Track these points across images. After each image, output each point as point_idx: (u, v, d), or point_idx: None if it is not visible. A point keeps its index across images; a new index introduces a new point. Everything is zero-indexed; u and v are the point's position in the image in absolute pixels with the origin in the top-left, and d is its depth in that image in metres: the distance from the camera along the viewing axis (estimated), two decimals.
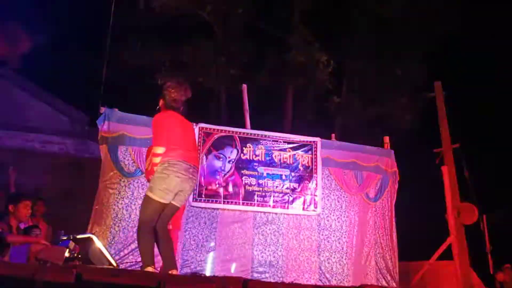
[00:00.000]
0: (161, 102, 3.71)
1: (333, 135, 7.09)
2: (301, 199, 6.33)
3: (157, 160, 3.54)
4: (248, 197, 6.13)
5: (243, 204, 6.09)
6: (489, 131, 11.62)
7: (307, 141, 6.60)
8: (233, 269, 5.80)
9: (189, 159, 3.56)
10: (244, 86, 7.02)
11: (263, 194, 6.20)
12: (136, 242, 3.63)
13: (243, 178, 6.19)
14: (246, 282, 2.56)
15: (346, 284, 6.14)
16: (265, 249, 6.04)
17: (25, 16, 9.16)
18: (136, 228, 5.40)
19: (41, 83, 9.33)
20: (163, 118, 3.63)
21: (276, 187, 6.28)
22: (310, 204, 6.34)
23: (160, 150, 3.52)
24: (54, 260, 3.04)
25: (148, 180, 3.67)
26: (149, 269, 3.27)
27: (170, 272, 3.30)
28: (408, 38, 10.30)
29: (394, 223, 6.75)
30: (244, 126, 6.59)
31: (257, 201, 6.15)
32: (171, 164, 3.47)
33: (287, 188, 6.32)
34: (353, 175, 6.71)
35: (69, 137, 9.08)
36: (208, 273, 5.60)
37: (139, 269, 4.99)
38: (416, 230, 10.05)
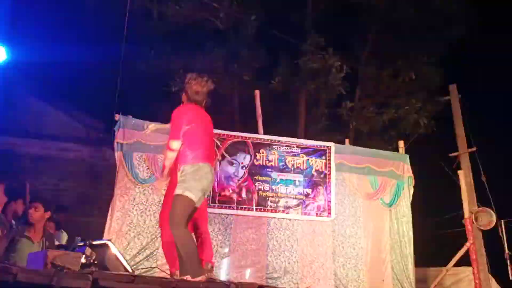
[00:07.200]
0: (184, 98, 3.61)
1: (347, 140, 7.06)
2: (315, 205, 6.30)
3: (171, 154, 3.43)
4: (262, 202, 6.14)
5: (256, 210, 6.10)
6: (507, 134, 11.42)
7: (320, 146, 6.58)
8: (247, 275, 5.79)
9: (210, 160, 3.48)
10: (257, 91, 7.06)
11: (277, 200, 6.20)
12: (177, 247, 3.28)
13: (257, 184, 6.19)
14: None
15: None
16: (279, 255, 6.02)
17: (41, 25, 9.33)
18: (151, 233, 5.52)
19: (57, 92, 9.49)
20: (183, 112, 3.49)
21: (290, 192, 6.27)
22: (324, 210, 6.31)
23: (175, 144, 3.40)
24: (70, 265, 3.06)
25: (165, 176, 3.60)
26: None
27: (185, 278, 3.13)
28: (421, 41, 10.21)
29: (410, 228, 6.67)
30: (257, 132, 6.60)
31: (271, 207, 6.15)
32: (201, 167, 3.37)
33: (300, 194, 6.30)
34: (367, 180, 6.66)
35: (84, 144, 9.21)
36: (222, 279, 5.59)
37: (154, 275, 5.02)
38: (433, 236, 9.90)
